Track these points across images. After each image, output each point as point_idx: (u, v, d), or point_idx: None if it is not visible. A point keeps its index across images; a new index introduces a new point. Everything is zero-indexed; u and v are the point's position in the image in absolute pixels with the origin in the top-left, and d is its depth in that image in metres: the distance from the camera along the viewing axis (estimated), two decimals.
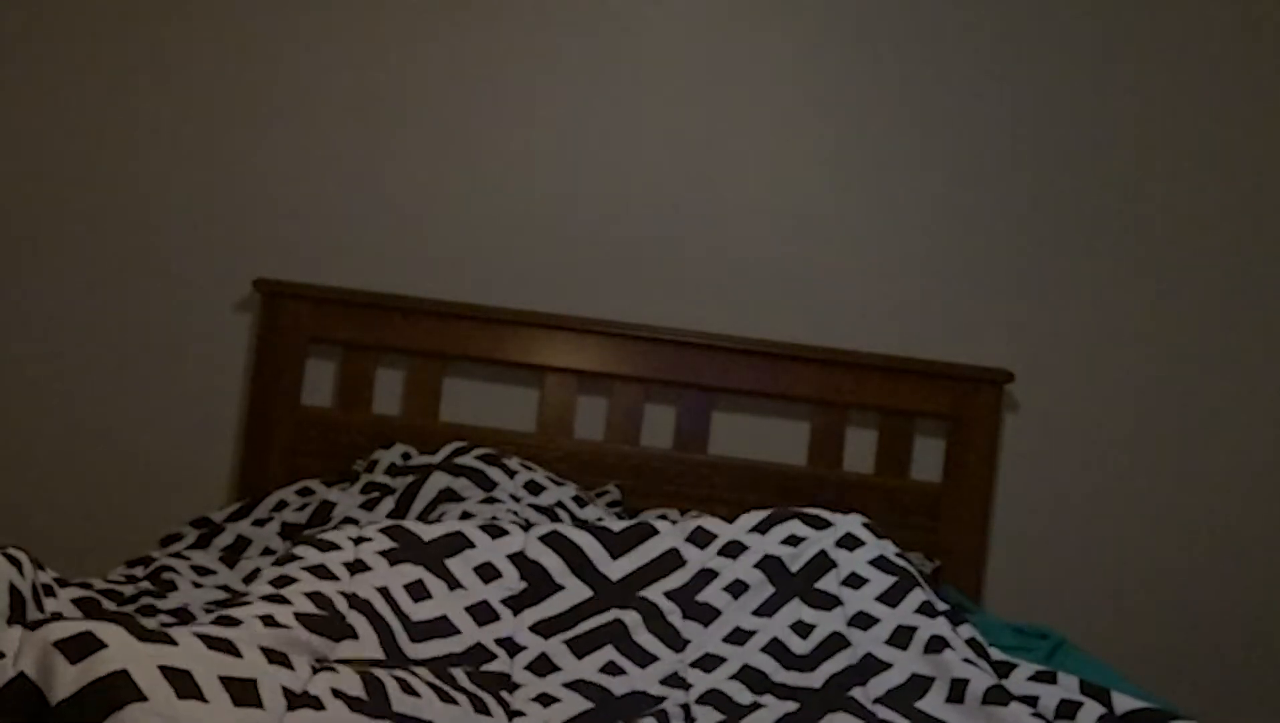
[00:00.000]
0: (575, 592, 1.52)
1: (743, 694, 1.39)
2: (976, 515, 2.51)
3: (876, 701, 1.38)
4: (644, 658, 1.44)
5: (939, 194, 2.59)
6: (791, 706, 1.33)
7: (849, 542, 1.63)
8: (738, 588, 1.56)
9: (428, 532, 1.53)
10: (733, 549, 1.61)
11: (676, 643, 1.48)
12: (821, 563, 1.60)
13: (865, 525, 1.67)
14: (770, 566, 1.59)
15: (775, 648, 1.48)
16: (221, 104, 2.50)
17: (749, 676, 1.43)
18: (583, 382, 2.50)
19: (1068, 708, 1.35)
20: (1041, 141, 2.60)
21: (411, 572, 1.46)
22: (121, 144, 2.49)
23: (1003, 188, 2.60)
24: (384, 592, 1.40)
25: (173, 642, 0.98)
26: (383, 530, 1.51)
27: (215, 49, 2.50)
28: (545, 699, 1.33)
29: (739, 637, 1.50)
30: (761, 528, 1.65)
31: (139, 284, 2.49)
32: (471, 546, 1.53)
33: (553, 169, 2.55)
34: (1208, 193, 2.63)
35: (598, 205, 2.55)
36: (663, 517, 1.78)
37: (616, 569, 1.56)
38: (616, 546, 1.59)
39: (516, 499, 2.05)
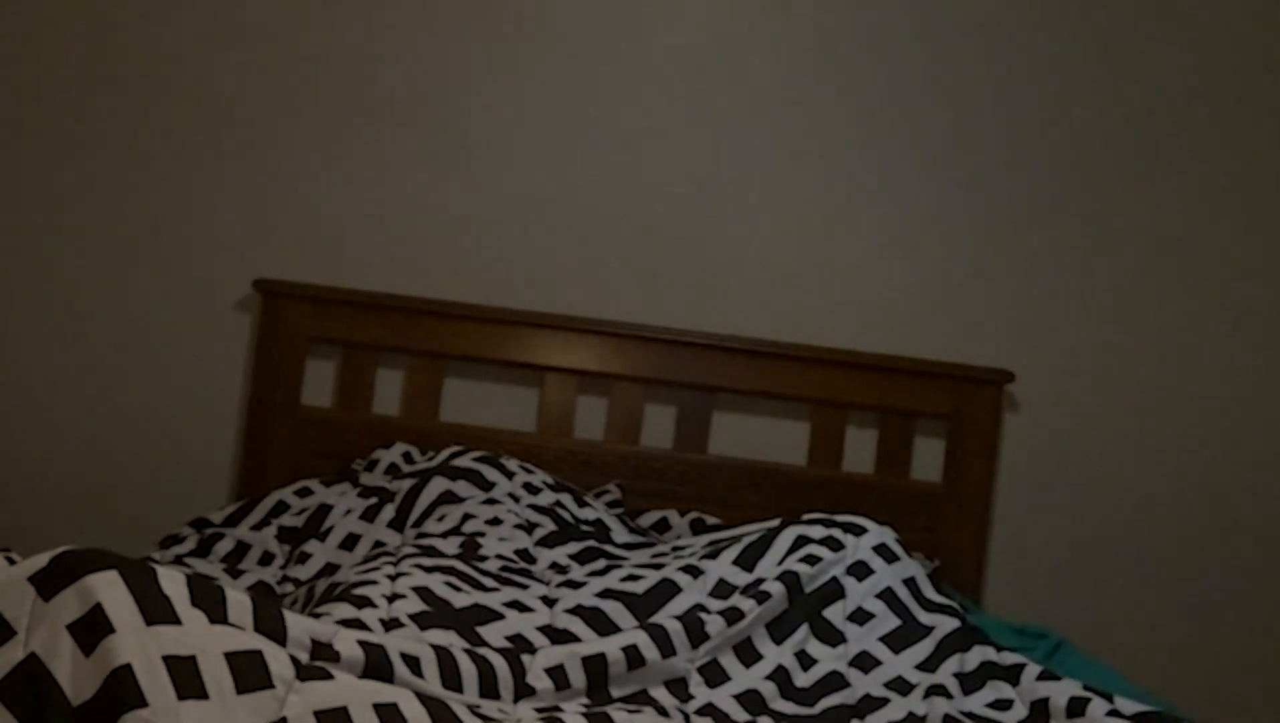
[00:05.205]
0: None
1: (739, 713, 1.41)
2: (976, 515, 2.51)
3: None
4: (664, 644, 1.43)
5: (939, 194, 2.59)
6: None
7: (860, 570, 1.65)
8: (761, 597, 1.57)
9: (458, 599, 1.53)
10: (755, 584, 1.62)
11: (697, 635, 1.47)
12: (832, 591, 1.62)
13: (876, 549, 1.68)
14: (789, 580, 1.61)
15: (779, 676, 1.50)
16: (221, 104, 2.50)
17: (748, 698, 1.45)
18: (583, 382, 2.50)
19: (1077, 705, 1.39)
20: (1042, 142, 2.60)
21: (441, 637, 1.43)
22: (121, 144, 2.48)
23: (1003, 188, 2.60)
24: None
25: (178, 620, 0.98)
26: (415, 589, 1.50)
27: (215, 50, 2.50)
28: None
29: (749, 656, 1.51)
30: (780, 560, 1.66)
31: (139, 284, 2.49)
32: (500, 617, 1.52)
33: (553, 169, 2.54)
34: (1208, 193, 2.62)
35: (598, 206, 2.55)
36: (681, 558, 1.76)
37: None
38: (641, 609, 1.59)
39: (516, 499, 2.05)
